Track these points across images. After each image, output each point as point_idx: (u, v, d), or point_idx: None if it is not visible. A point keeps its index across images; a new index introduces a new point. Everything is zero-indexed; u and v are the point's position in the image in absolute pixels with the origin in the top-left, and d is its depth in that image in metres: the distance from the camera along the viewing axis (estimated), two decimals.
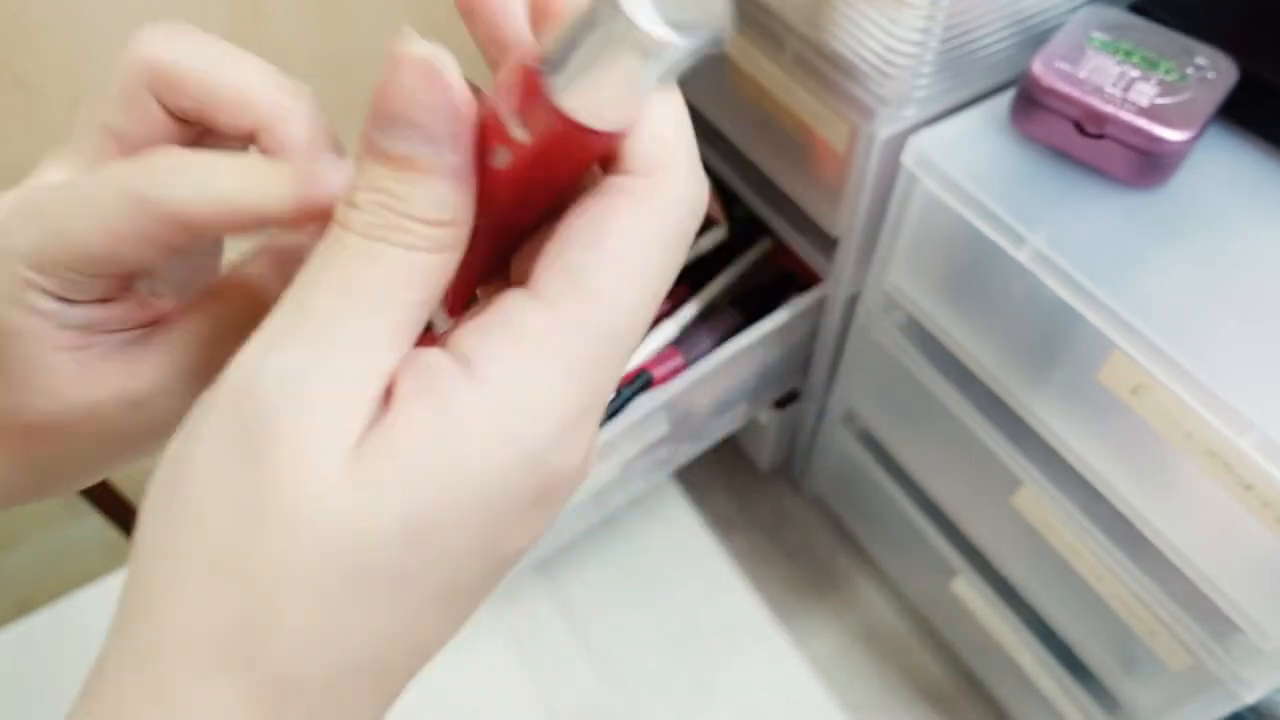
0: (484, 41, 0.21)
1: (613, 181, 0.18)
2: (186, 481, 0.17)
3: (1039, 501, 0.47)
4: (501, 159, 0.18)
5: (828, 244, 0.53)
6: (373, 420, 0.17)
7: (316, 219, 0.22)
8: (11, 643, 0.68)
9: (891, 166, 0.45)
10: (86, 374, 0.22)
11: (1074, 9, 0.45)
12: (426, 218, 0.17)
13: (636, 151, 0.18)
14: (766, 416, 0.68)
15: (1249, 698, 0.41)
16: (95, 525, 0.74)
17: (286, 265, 0.25)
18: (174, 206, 0.21)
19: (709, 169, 0.62)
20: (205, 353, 0.24)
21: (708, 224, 0.63)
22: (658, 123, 0.18)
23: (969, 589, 0.58)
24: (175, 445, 0.17)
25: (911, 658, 0.68)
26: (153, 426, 0.24)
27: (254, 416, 0.16)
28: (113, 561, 0.71)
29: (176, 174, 0.21)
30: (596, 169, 0.19)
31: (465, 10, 0.21)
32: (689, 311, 0.60)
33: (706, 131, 0.61)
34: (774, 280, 0.62)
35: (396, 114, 0.17)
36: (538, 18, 0.19)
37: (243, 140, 0.24)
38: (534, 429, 0.17)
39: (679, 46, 0.16)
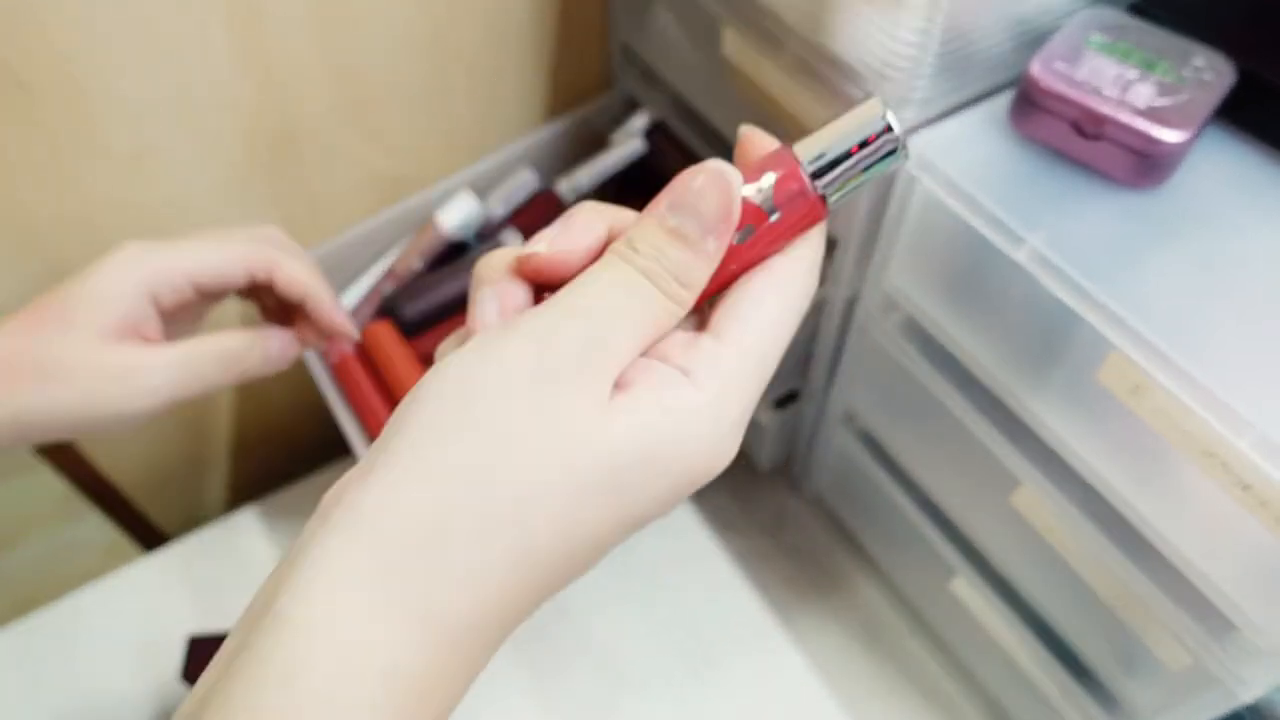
0: None
1: (768, 263, 0.26)
2: (490, 383, 0.23)
3: (1038, 501, 0.47)
4: (744, 236, 0.25)
5: (827, 245, 0.53)
6: (614, 392, 0.23)
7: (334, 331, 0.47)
8: (11, 642, 0.68)
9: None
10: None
11: (1072, 11, 0.45)
12: (682, 279, 0.24)
13: (795, 254, 0.27)
14: (766, 416, 0.68)
15: (1247, 697, 0.41)
16: (96, 525, 0.74)
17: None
18: (282, 263, 0.44)
19: None
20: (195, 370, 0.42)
21: None
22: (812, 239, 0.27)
23: (968, 588, 0.58)
24: (468, 358, 0.23)
25: (911, 657, 0.68)
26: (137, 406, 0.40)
27: (555, 358, 0.23)
28: (113, 561, 0.71)
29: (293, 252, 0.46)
30: None
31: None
32: None
33: (706, 132, 0.61)
34: None
35: (690, 202, 0.24)
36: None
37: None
38: (721, 426, 0.24)
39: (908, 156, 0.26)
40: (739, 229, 0.25)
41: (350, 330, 0.47)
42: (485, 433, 0.22)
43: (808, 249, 0.27)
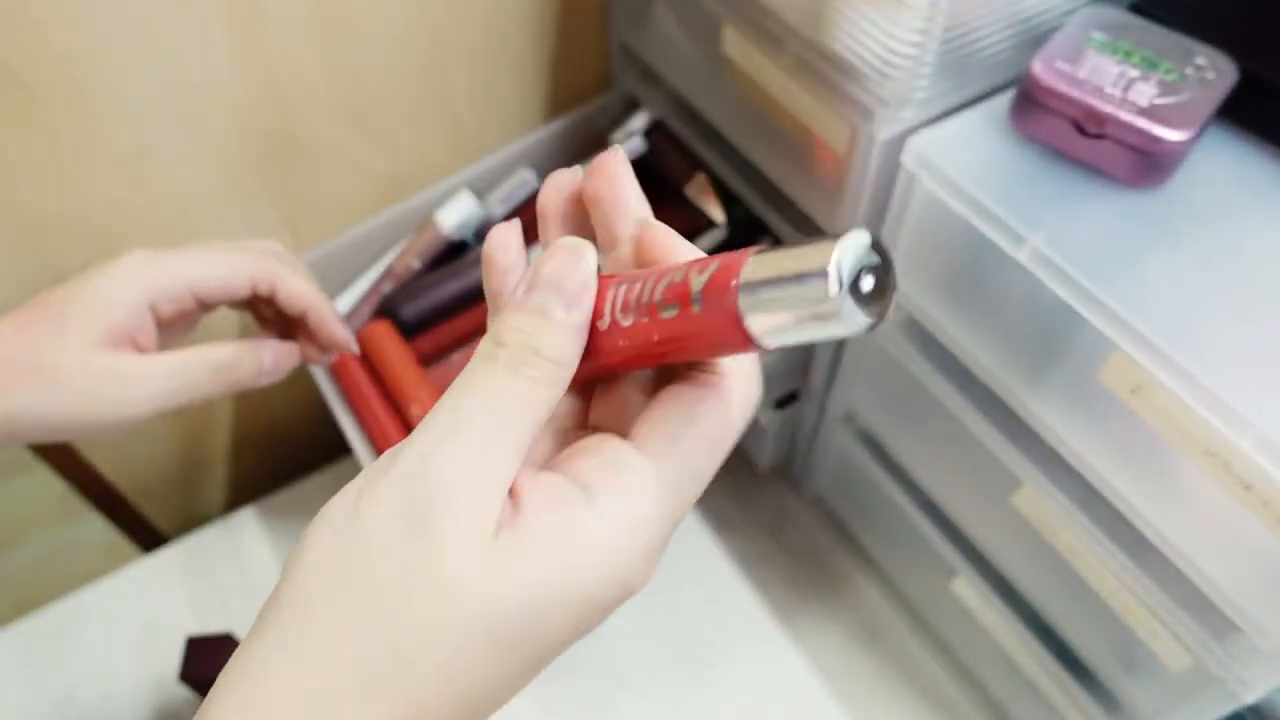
0: (598, 227, 0.27)
1: (703, 377, 0.24)
2: (357, 542, 0.21)
3: (1039, 501, 0.47)
4: (667, 311, 0.22)
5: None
6: (503, 517, 0.22)
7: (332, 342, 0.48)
8: (10, 643, 0.68)
9: (891, 167, 0.45)
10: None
11: (1073, 9, 0.45)
12: (551, 356, 0.23)
13: (726, 361, 0.24)
14: (766, 417, 0.68)
15: (1249, 698, 0.41)
16: (95, 525, 0.74)
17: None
18: (284, 276, 0.45)
19: (709, 169, 0.62)
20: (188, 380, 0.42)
21: (708, 226, 0.63)
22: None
23: (969, 589, 0.58)
24: (343, 506, 0.22)
25: (911, 657, 0.68)
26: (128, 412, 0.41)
27: (422, 503, 0.21)
28: (112, 562, 0.71)
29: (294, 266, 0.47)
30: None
31: (590, 201, 0.27)
32: None
33: (706, 132, 0.61)
34: None
35: (546, 279, 0.23)
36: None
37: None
38: (631, 560, 0.22)
39: (862, 327, 0.19)
40: (667, 303, 0.22)
41: (350, 344, 0.48)
42: (357, 596, 0.21)
43: (746, 380, 0.24)
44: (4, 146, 0.50)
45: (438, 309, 0.64)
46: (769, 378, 0.62)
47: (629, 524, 0.22)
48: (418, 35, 0.59)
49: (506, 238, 0.26)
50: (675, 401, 0.24)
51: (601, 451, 0.23)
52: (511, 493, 0.22)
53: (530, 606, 0.21)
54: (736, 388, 0.24)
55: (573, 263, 0.23)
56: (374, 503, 0.22)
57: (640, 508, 0.22)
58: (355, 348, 0.49)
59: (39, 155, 0.51)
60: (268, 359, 0.45)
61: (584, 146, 0.71)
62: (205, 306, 0.44)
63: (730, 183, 0.60)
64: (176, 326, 0.45)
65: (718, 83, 0.55)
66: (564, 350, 0.23)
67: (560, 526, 0.22)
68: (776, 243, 0.24)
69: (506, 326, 0.23)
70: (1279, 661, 0.39)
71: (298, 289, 0.45)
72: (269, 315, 0.48)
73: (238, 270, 0.44)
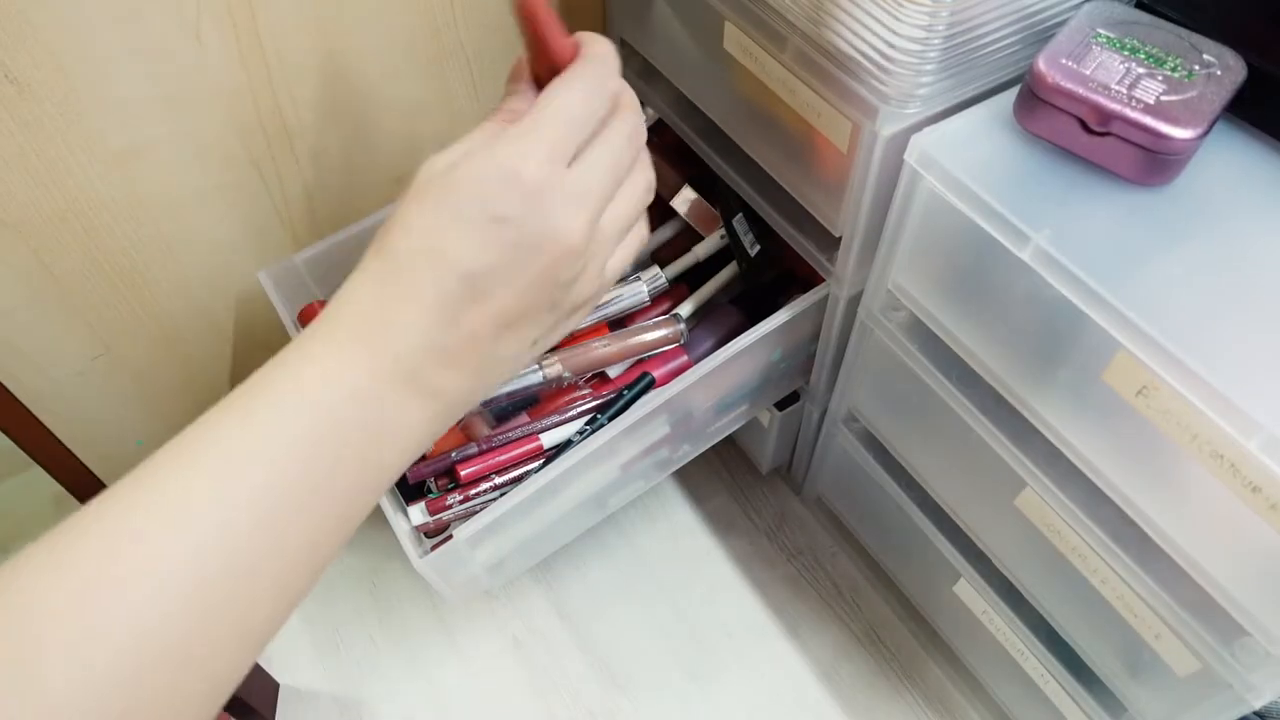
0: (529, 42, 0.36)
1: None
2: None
3: (1043, 503, 0.47)
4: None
5: (830, 243, 0.53)
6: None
7: None
8: None
9: (894, 164, 0.45)
10: None
11: (1078, 5, 0.44)
12: (505, 108, 0.34)
13: (576, 62, 0.34)
14: (767, 417, 0.68)
15: (1256, 702, 0.40)
16: None
17: None
18: None
19: (710, 169, 0.62)
20: None
21: (700, 235, 0.63)
22: (589, 48, 0.35)
23: (972, 592, 0.57)
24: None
25: (913, 661, 0.67)
26: None
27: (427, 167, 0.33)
28: None
29: None
30: None
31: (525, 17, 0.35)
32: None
33: (707, 130, 0.61)
34: (776, 279, 0.62)
35: (513, 74, 0.35)
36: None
37: None
38: (504, 145, 0.31)
39: None
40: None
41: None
42: (421, 206, 0.32)
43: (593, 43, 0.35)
44: None
45: None
46: (771, 378, 0.62)
47: (509, 133, 0.31)
48: (418, 35, 0.59)
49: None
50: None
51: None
52: None
53: (451, 177, 0.31)
54: (587, 55, 0.34)
55: (517, 79, 0.36)
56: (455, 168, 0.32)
57: (518, 127, 0.31)
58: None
59: (30, 151, 0.50)
60: None
61: None
62: None
63: (731, 180, 0.60)
64: None
65: (718, 79, 0.55)
66: (518, 103, 0.35)
67: (476, 146, 0.32)
68: None
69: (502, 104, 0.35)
70: None
71: None
72: None
73: None
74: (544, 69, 0.35)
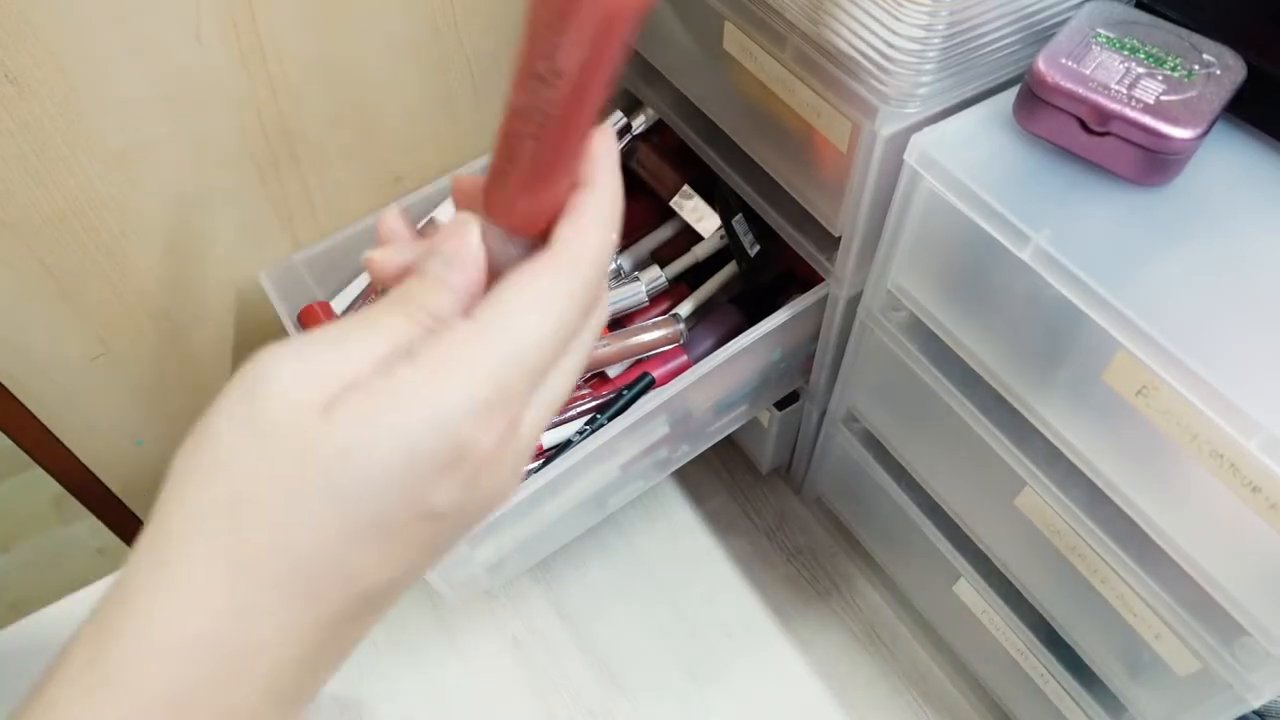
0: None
1: (543, 253, 0.24)
2: (206, 418, 0.23)
3: (1043, 503, 0.47)
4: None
5: (829, 243, 0.53)
6: (338, 393, 0.22)
7: None
8: (4, 647, 0.68)
9: (894, 164, 0.45)
10: None
11: (1078, 5, 0.44)
12: (425, 308, 0.24)
13: (560, 236, 0.25)
14: (767, 417, 0.68)
15: (1256, 702, 0.40)
16: (89, 528, 0.73)
17: None
18: None
19: (710, 169, 0.62)
20: None
21: (697, 238, 0.63)
22: (580, 218, 0.25)
23: (972, 592, 0.57)
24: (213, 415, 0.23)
25: (914, 661, 0.67)
26: None
27: (261, 378, 0.22)
28: (107, 564, 0.71)
29: None
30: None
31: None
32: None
33: (707, 130, 0.61)
34: (775, 279, 0.62)
35: (440, 246, 0.25)
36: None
37: None
38: (446, 399, 0.22)
39: None
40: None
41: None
42: (199, 463, 0.23)
43: (595, 232, 0.25)
44: None
45: None
46: (770, 378, 0.62)
47: (441, 370, 0.22)
48: (418, 35, 0.59)
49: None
50: (510, 277, 0.24)
51: (426, 307, 0.24)
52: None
53: (349, 452, 0.21)
54: (565, 254, 0.24)
55: (460, 239, 0.25)
56: (229, 404, 0.23)
57: (454, 358, 0.22)
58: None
59: (29, 151, 0.50)
60: None
61: None
62: None
63: (730, 180, 0.60)
64: None
65: (719, 79, 0.55)
66: (436, 307, 0.24)
67: (382, 383, 0.22)
68: None
69: (402, 286, 0.25)
70: None
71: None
72: None
73: None
74: (521, 198, 0.25)
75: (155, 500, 0.23)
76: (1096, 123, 0.40)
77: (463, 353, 0.22)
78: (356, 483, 0.21)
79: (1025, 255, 0.40)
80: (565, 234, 0.25)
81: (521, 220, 0.25)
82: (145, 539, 0.23)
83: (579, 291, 0.24)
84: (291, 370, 0.22)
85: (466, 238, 0.25)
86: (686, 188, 0.63)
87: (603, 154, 0.26)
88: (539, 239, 0.25)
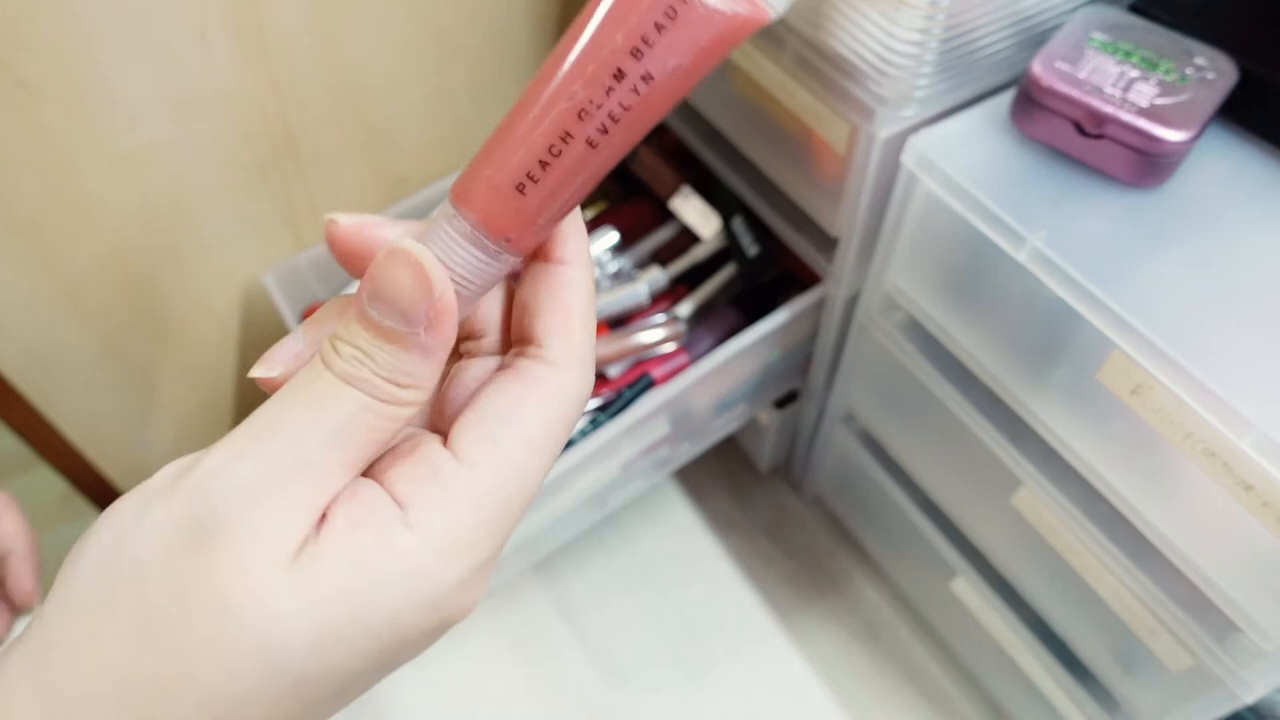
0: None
1: (527, 367, 0.22)
2: (136, 548, 0.19)
3: (1039, 501, 0.47)
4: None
5: (827, 244, 0.53)
6: (309, 536, 0.19)
7: None
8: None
9: (891, 166, 0.45)
10: None
11: (1073, 9, 0.45)
12: (393, 379, 0.20)
13: (551, 345, 0.22)
14: (766, 416, 0.68)
15: (1249, 698, 0.41)
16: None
17: None
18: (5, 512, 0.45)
19: (710, 169, 0.62)
20: None
21: (696, 240, 0.63)
22: (572, 324, 0.22)
23: (969, 589, 0.58)
24: (128, 506, 0.20)
25: (911, 658, 0.68)
26: None
27: (211, 513, 0.19)
28: None
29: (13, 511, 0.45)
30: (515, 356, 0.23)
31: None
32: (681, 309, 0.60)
33: (706, 132, 0.61)
34: (774, 280, 0.62)
35: (384, 294, 0.20)
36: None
37: None
38: (445, 576, 0.20)
39: None
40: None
41: (34, 600, 0.47)
42: (123, 613, 0.18)
43: (578, 369, 0.22)
44: (2, 143, 0.50)
45: None
46: (769, 378, 0.62)
47: (442, 544, 0.20)
48: (419, 35, 0.59)
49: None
50: (498, 397, 0.21)
51: (416, 457, 0.21)
52: (325, 512, 0.20)
53: (321, 636, 0.18)
54: (563, 379, 0.22)
55: (416, 278, 0.19)
56: (164, 507, 0.19)
57: (456, 525, 0.20)
58: (35, 604, 0.48)
59: (36, 153, 0.51)
60: None
61: None
62: None
63: (730, 182, 0.60)
64: None
65: (718, 82, 0.55)
66: (405, 372, 0.20)
67: (363, 546, 0.19)
68: None
69: (342, 335, 0.20)
70: (1279, 662, 0.39)
71: (16, 528, 0.46)
72: None
73: None
74: (546, 208, 0.21)
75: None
76: (1091, 125, 0.41)
77: (463, 516, 0.20)
78: (324, 670, 0.19)
79: (1021, 256, 0.40)
80: (558, 348, 0.22)
81: (522, 233, 0.21)
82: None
83: (576, 416, 0.22)
84: (267, 511, 0.19)
85: (425, 278, 0.19)
86: (686, 189, 0.63)
87: (578, 232, 0.23)
88: (519, 253, 0.22)
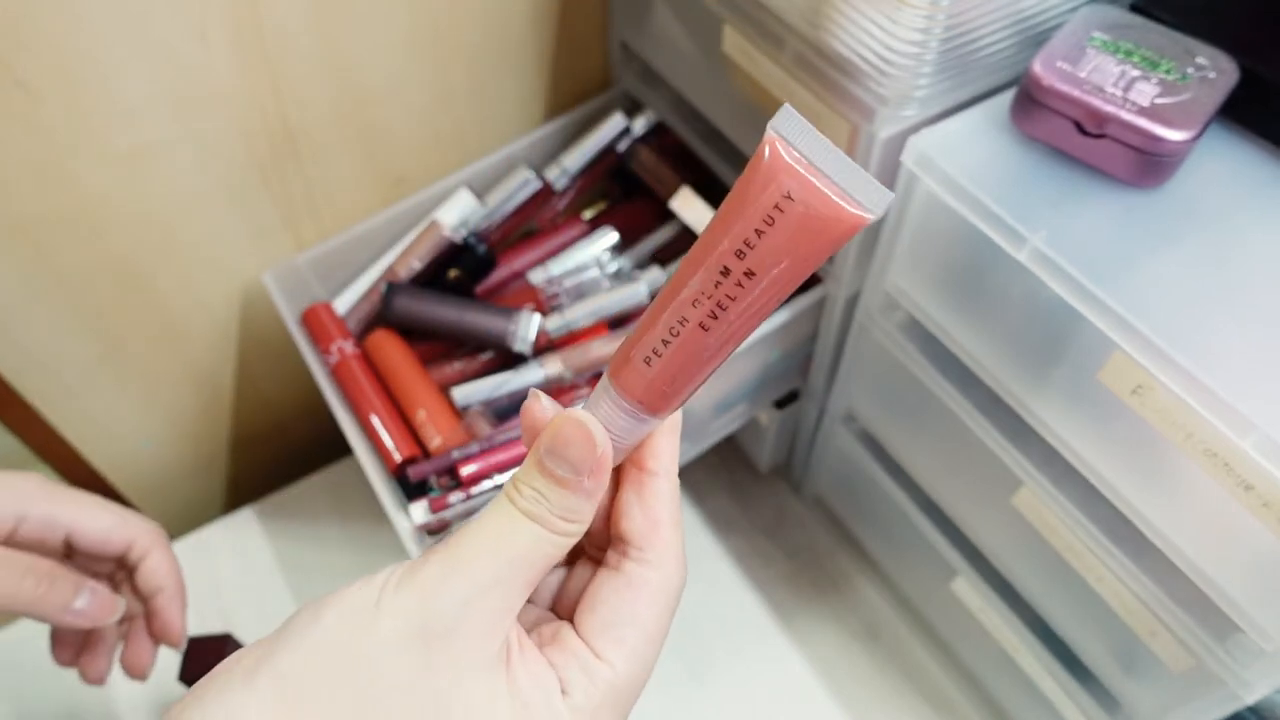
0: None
1: (639, 572, 0.27)
2: (379, 641, 0.23)
3: (1039, 502, 0.47)
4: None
5: None
6: (509, 643, 0.25)
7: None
8: (9, 643, 0.68)
9: (892, 166, 0.45)
10: None
11: (1074, 9, 0.45)
12: (564, 516, 0.26)
13: (657, 549, 0.28)
14: (766, 416, 0.68)
15: (1250, 698, 0.41)
16: None
17: None
18: (161, 550, 0.47)
19: (710, 169, 0.62)
20: None
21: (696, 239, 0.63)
22: (664, 529, 0.28)
23: (969, 589, 0.58)
24: (365, 599, 0.24)
25: (911, 658, 0.67)
26: None
27: (439, 622, 0.24)
28: None
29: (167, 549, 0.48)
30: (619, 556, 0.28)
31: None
32: None
33: (706, 132, 0.61)
34: None
35: (562, 452, 0.25)
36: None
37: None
38: None
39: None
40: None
41: (182, 640, 0.48)
42: (363, 693, 0.23)
43: (677, 568, 0.28)
44: (2, 143, 0.49)
45: (426, 322, 0.63)
46: (769, 378, 0.62)
47: (586, 713, 0.25)
48: (418, 35, 0.59)
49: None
50: (617, 600, 0.27)
51: (569, 649, 0.26)
52: (517, 638, 0.25)
53: None
54: (665, 576, 0.27)
55: (586, 441, 0.26)
56: (395, 611, 0.24)
57: (601, 708, 0.25)
58: (181, 647, 0.49)
59: (36, 153, 0.51)
60: (86, 598, 0.43)
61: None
62: (67, 554, 0.44)
63: (730, 182, 0.60)
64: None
65: (718, 81, 0.55)
66: (573, 511, 0.26)
67: (542, 701, 0.25)
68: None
69: (523, 479, 0.26)
70: (1279, 662, 0.39)
71: (169, 566, 0.46)
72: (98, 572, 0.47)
73: (124, 526, 0.44)
74: (663, 382, 0.26)
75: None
76: (1092, 125, 0.41)
77: (601, 702, 0.25)
78: None
79: (1022, 256, 0.40)
80: (657, 551, 0.28)
81: (653, 399, 0.26)
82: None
83: (677, 602, 0.28)
84: (479, 622, 0.24)
85: (591, 442, 0.26)
86: (686, 189, 0.63)
87: (671, 445, 0.29)
88: (654, 415, 0.27)
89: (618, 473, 0.29)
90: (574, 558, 0.31)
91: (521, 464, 0.27)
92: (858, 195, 0.23)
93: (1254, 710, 0.44)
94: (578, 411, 0.26)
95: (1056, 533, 0.47)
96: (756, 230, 0.23)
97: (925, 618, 0.67)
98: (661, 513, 0.28)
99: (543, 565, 0.26)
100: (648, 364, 0.25)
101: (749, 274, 0.23)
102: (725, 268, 0.23)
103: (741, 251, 0.23)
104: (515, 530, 0.25)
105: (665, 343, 0.25)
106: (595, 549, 0.30)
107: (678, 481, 0.29)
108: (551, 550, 0.26)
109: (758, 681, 0.67)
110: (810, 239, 0.23)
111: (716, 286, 0.24)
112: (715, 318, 0.24)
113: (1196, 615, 0.41)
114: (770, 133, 0.23)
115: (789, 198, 0.22)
